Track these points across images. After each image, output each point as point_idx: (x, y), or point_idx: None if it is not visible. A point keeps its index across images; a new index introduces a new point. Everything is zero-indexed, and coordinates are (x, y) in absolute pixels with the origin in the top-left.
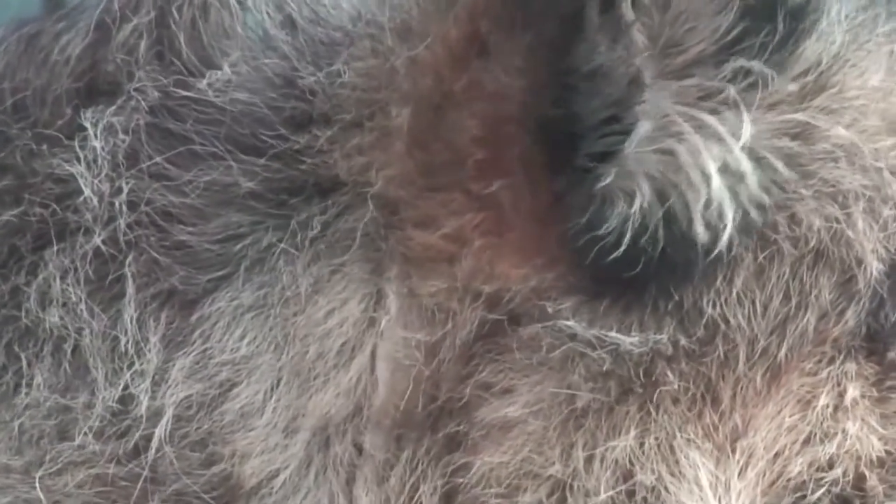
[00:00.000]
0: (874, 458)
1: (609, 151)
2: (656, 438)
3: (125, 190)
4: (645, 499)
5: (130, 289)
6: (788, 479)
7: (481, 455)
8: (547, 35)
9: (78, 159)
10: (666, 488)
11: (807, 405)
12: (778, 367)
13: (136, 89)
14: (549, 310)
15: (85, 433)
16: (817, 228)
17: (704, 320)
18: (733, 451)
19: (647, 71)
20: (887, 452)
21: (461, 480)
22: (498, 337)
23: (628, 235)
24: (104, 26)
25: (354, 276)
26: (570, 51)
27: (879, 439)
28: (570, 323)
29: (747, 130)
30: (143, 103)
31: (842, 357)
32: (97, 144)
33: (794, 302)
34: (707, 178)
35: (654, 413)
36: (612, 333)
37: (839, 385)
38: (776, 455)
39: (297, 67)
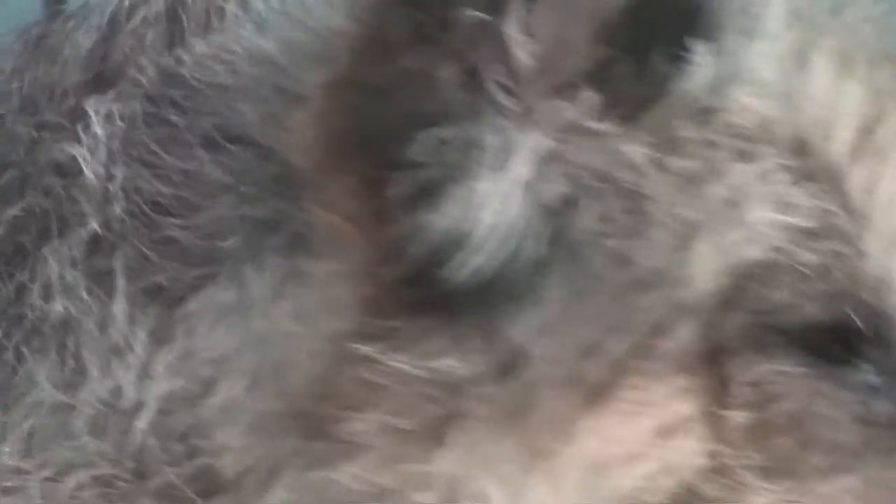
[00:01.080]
0: (709, 468)
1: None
2: (468, 454)
3: (119, 177)
4: None
5: (121, 281)
6: (615, 490)
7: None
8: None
9: (80, 142)
10: None
11: (632, 421)
12: (596, 388)
13: (135, 77)
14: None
15: (82, 430)
16: (633, 256)
17: (508, 346)
18: (547, 464)
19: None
20: (723, 464)
21: None
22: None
23: (418, 253)
24: (116, 21)
25: (306, 272)
26: None
27: (710, 452)
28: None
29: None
30: (139, 91)
31: (671, 373)
32: (99, 130)
33: (613, 326)
34: (476, 206)
35: (462, 432)
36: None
37: (668, 401)
38: (599, 468)
39: (286, 66)
